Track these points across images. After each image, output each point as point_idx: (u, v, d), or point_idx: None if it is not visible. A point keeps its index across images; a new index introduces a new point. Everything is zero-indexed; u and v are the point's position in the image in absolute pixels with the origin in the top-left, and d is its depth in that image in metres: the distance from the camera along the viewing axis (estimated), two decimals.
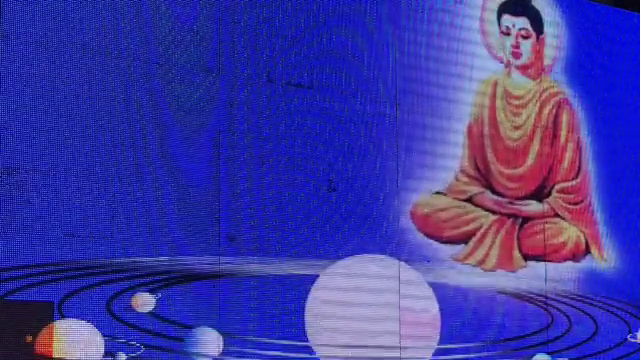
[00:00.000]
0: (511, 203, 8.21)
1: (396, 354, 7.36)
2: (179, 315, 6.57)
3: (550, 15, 8.62)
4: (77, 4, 6.45)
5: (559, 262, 8.36)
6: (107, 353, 6.27)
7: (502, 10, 8.37)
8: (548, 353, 8.07)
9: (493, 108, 8.25)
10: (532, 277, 8.17)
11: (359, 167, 7.44)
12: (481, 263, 7.96)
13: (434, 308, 7.61)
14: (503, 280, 8.02)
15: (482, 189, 8.08)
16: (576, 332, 8.25)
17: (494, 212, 8.10)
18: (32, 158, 6.21)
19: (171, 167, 6.67)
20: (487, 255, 8.00)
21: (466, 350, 7.69)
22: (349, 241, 7.31)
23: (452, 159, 7.95)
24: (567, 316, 8.24)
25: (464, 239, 7.93)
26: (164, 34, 6.75)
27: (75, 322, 6.21)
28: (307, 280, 7.10)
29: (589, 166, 8.66)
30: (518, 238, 8.18)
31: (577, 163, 8.61)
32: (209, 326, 6.66)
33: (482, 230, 8.02)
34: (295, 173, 7.16)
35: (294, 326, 7.00)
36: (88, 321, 6.25)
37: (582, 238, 8.52)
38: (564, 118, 8.61)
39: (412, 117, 7.74)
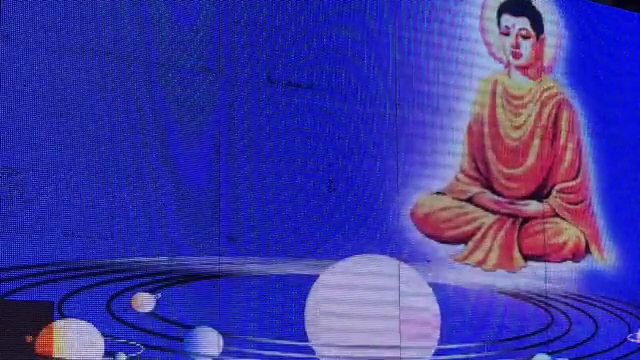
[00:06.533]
0: (511, 203, 8.21)
1: (396, 354, 7.36)
2: (179, 315, 6.57)
3: (550, 15, 8.62)
4: (77, 4, 6.45)
5: (559, 262, 8.36)
6: (107, 353, 6.28)
7: (502, 10, 8.37)
8: (548, 353, 8.07)
9: (493, 108, 8.25)
10: (532, 277, 8.17)
11: (359, 167, 7.44)
12: (481, 263, 7.96)
13: (434, 308, 7.61)
14: (503, 280, 8.02)
15: (482, 189, 8.08)
16: (576, 332, 8.24)
17: (494, 212, 8.10)
18: (32, 158, 6.21)
19: (171, 167, 6.67)
20: (487, 255, 8.00)
21: (466, 350, 7.69)
22: (349, 241, 7.31)
23: (452, 159, 7.95)
24: (567, 316, 8.24)
25: (464, 239, 7.93)
26: (164, 34, 6.76)
27: (75, 322, 6.21)
28: (307, 280, 7.11)
29: (589, 166, 8.66)
30: (518, 238, 8.17)
31: (577, 163, 8.61)
32: (209, 326, 6.66)
33: (482, 230, 8.02)
34: (295, 173, 7.16)
35: (294, 326, 7.00)
36: (88, 321, 6.25)
37: (582, 238, 8.52)
38: (564, 118, 8.61)
39: (412, 117, 7.74)
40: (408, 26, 7.80)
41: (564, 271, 8.36)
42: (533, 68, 8.51)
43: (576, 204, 8.56)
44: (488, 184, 8.11)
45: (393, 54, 7.70)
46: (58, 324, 6.17)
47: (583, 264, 8.48)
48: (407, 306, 7.45)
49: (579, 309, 8.32)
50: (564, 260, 8.40)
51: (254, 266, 6.90)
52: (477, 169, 8.08)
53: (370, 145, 7.51)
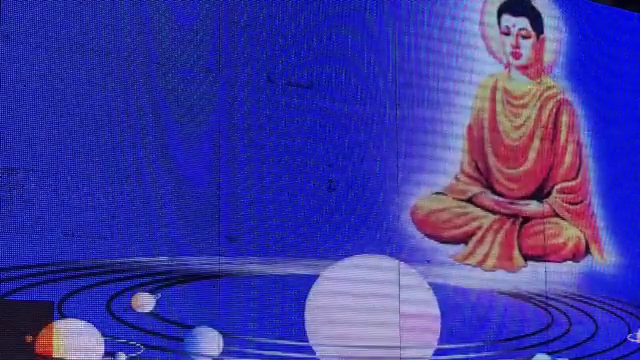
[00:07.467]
0: (511, 203, 8.21)
1: (396, 354, 7.36)
2: (179, 315, 6.57)
3: (550, 15, 8.62)
4: (77, 4, 6.45)
5: (559, 262, 8.36)
6: (107, 353, 6.28)
7: (502, 10, 8.37)
8: (548, 353, 8.07)
9: (493, 108, 8.25)
10: (532, 277, 8.17)
11: (359, 167, 7.44)
12: (481, 263, 7.96)
13: (434, 308, 7.61)
14: (503, 280, 8.02)
15: (482, 189, 8.07)
16: (576, 332, 8.25)
17: (494, 212, 8.10)
18: (32, 158, 6.21)
19: (171, 167, 6.67)
20: (487, 255, 8.00)
21: (466, 350, 7.69)
22: (349, 241, 7.31)
23: (452, 159, 7.95)
24: (567, 316, 8.24)
25: (464, 239, 7.93)
26: (164, 34, 6.76)
27: (75, 322, 6.21)
28: (307, 280, 7.11)
29: (589, 166, 8.66)
30: (518, 238, 8.17)
31: (577, 163, 8.61)
32: (209, 326, 6.66)
33: (482, 230, 8.02)
34: (295, 173, 7.16)
35: (294, 326, 7.00)
36: (88, 321, 6.25)
37: (582, 238, 8.51)
38: (564, 118, 8.61)
39: (412, 117, 7.74)
40: (408, 29, 7.80)
41: (564, 271, 8.36)
42: (533, 68, 8.51)
43: (576, 204, 8.56)
44: (488, 184, 8.11)
45: (393, 54, 7.69)
46: (58, 324, 6.17)
47: (583, 264, 8.48)
48: (407, 306, 7.45)
49: (579, 309, 8.32)
50: (564, 260, 8.40)
51: (254, 266, 6.90)
52: (477, 169, 8.07)
53: (370, 145, 7.51)
